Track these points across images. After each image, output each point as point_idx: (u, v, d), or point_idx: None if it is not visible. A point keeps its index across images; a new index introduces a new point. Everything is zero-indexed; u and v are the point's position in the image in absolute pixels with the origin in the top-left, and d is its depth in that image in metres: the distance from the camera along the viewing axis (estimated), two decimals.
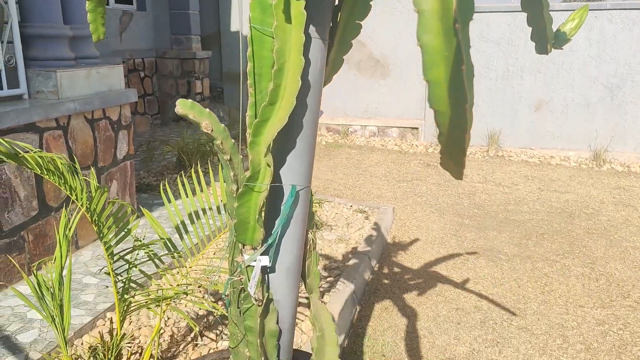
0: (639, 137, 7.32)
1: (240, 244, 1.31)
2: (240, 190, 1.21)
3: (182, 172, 2.59)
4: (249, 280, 1.29)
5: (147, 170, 6.04)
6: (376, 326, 3.26)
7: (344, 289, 3.47)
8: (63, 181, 1.86)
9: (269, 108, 1.15)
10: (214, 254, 3.77)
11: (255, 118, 1.18)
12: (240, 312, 1.38)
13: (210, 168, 2.48)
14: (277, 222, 1.30)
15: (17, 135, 3.12)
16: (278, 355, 1.36)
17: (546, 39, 1.31)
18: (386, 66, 8.42)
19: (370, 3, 1.29)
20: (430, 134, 8.11)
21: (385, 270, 4.03)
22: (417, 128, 8.20)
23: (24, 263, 3.23)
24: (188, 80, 8.75)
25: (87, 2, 1.60)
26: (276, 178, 1.28)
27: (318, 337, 1.36)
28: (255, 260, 1.28)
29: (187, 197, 2.32)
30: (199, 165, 2.58)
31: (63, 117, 3.44)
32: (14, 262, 2.38)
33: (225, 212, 2.31)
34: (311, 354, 1.76)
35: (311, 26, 1.20)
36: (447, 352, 3.01)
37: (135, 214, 2.14)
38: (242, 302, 1.36)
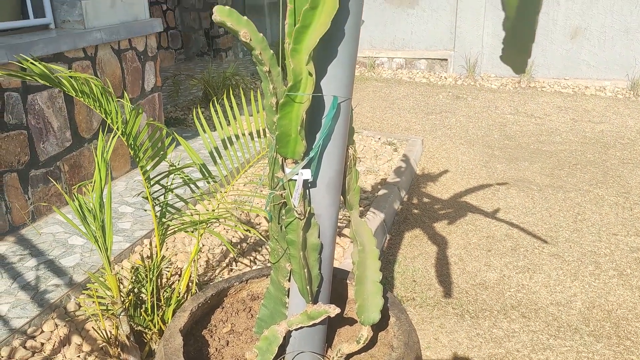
0: None
1: (281, 159, 1.30)
2: (281, 101, 1.18)
3: (212, 101, 2.59)
4: (291, 195, 1.29)
5: (174, 104, 6.04)
6: (406, 253, 3.29)
7: (374, 218, 3.49)
8: (98, 104, 1.86)
9: (310, 12, 1.10)
10: (244, 185, 3.80)
11: (295, 25, 1.14)
12: (281, 227, 1.39)
13: (242, 95, 2.44)
14: (318, 135, 1.27)
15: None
16: (319, 268, 1.37)
17: None
18: None
19: None
20: (459, 65, 7.86)
21: (415, 201, 4.03)
22: (446, 59, 7.95)
23: (61, 193, 3.31)
24: (210, 13, 8.56)
25: None
26: (317, 89, 1.24)
27: (359, 250, 1.37)
28: (297, 174, 1.27)
29: (219, 122, 2.30)
30: (231, 93, 2.54)
31: (90, 48, 3.41)
32: (57, 185, 2.45)
33: (258, 137, 2.30)
34: (349, 272, 1.79)
35: None
36: (477, 277, 3.03)
37: (170, 137, 2.14)
38: (283, 217, 1.36)
